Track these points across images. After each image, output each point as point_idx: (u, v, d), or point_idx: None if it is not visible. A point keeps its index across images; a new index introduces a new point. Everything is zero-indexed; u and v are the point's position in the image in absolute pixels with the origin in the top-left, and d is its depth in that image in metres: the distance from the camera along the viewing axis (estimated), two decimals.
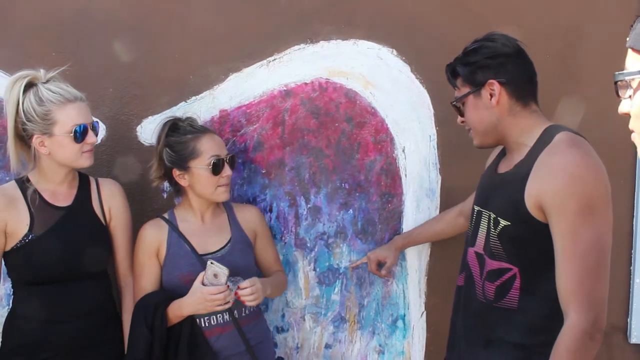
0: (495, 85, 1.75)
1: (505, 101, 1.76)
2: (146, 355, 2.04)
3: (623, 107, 1.11)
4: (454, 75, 1.85)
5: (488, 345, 1.79)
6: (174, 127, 2.20)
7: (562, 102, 2.40)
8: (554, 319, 1.64)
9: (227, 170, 2.17)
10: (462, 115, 1.87)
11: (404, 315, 2.57)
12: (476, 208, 1.92)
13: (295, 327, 2.57)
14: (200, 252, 2.16)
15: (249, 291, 2.05)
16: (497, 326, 1.77)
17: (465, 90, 1.81)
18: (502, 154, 1.94)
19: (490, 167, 1.99)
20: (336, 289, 2.55)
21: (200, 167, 2.13)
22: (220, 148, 2.19)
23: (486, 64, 1.77)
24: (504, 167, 1.86)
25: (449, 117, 2.46)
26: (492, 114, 1.78)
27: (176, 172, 2.17)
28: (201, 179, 2.15)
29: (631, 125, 1.13)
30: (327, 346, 2.58)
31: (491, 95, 1.76)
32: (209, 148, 2.14)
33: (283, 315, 2.56)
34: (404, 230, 2.52)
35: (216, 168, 2.13)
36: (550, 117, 1.85)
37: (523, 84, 1.78)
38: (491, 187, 1.87)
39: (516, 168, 1.76)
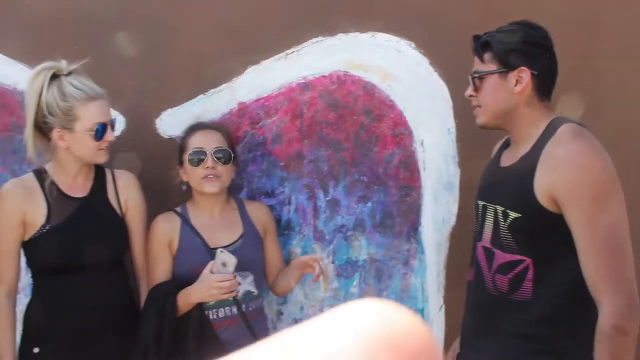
0: (526, 74, 1.73)
1: (528, 91, 1.76)
2: (156, 342, 2.07)
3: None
4: (484, 48, 1.80)
5: (499, 338, 1.78)
6: None
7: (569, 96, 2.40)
8: (566, 308, 1.66)
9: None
10: (476, 89, 1.83)
11: (423, 309, 2.55)
12: (481, 203, 1.89)
13: None
14: (212, 246, 2.18)
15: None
16: (509, 319, 1.76)
17: (492, 67, 1.78)
18: (504, 147, 1.93)
19: (492, 161, 1.97)
20: (355, 282, 2.53)
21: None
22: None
23: (524, 49, 1.75)
24: (508, 161, 1.84)
25: (468, 111, 2.43)
26: (510, 99, 1.76)
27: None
28: None
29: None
30: None
31: (517, 82, 1.74)
32: None
33: (302, 308, 2.55)
34: (422, 224, 2.51)
35: None
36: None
37: (549, 80, 1.78)
38: (496, 181, 1.86)
39: (522, 161, 1.76)
